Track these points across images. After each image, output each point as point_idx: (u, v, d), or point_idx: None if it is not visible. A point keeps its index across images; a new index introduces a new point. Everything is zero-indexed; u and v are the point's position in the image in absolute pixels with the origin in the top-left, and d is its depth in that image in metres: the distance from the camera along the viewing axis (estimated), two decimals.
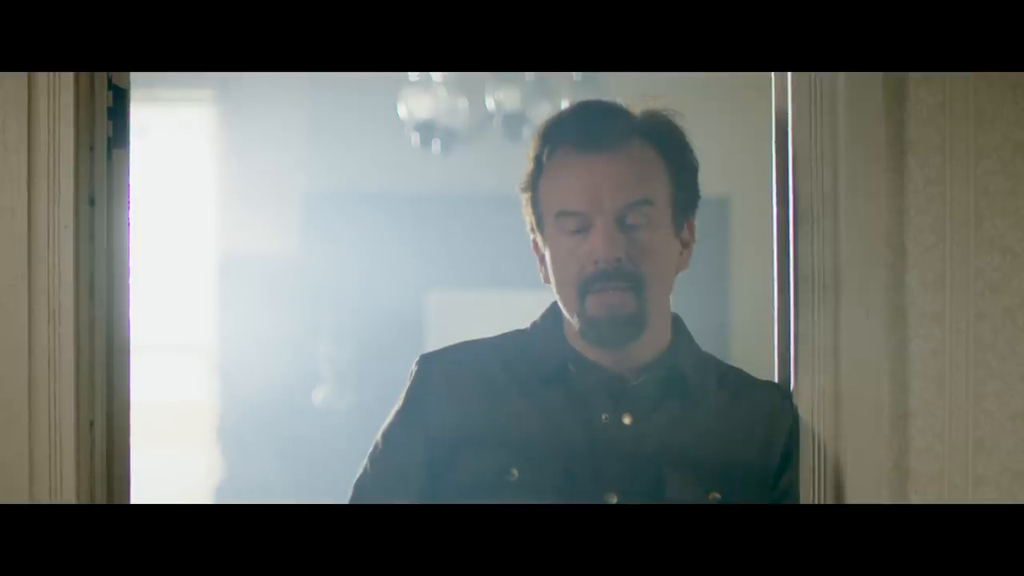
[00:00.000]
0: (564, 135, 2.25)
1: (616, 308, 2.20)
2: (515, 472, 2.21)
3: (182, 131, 6.43)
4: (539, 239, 2.29)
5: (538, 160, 2.27)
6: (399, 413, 2.31)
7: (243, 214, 6.33)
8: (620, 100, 2.29)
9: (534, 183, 2.27)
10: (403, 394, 2.31)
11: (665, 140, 2.26)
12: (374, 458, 2.31)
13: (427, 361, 2.32)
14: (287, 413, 6.03)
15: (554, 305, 2.32)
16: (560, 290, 2.26)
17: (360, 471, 2.32)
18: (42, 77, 2.21)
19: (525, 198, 2.30)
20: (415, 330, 6.12)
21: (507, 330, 2.37)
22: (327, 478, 5.79)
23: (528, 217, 2.30)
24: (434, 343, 2.35)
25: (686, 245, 2.29)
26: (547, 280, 2.30)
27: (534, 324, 2.34)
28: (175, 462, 6.08)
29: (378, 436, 2.32)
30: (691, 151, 2.29)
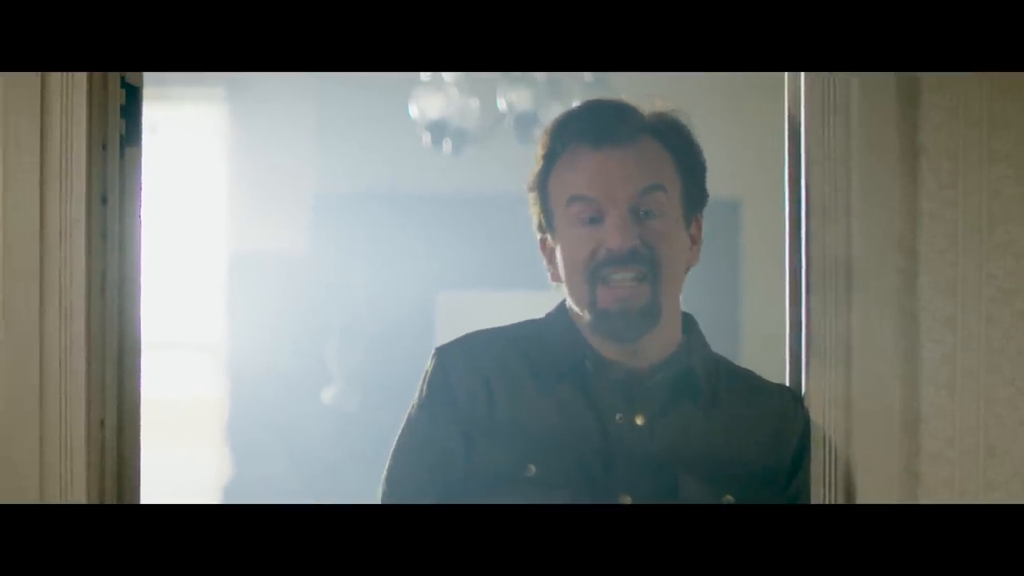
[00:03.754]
0: (575, 132, 2.25)
1: (629, 301, 2.20)
2: (532, 468, 2.22)
3: (192, 129, 6.43)
4: (548, 236, 2.29)
5: (548, 157, 2.27)
6: (424, 406, 2.30)
7: (253, 213, 6.33)
8: (628, 100, 2.30)
9: (543, 181, 2.28)
10: (423, 386, 2.30)
11: (674, 139, 2.27)
12: (402, 456, 2.30)
13: (444, 353, 2.31)
14: (296, 412, 6.04)
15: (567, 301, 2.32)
16: (570, 280, 2.25)
17: (388, 466, 2.30)
18: (55, 76, 2.21)
19: (532, 197, 2.30)
20: (425, 330, 6.13)
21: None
22: (335, 477, 5.80)
23: (536, 215, 2.30)
24: (444, 343, 2.35)
25: (694, 242, 2.29)
26: (555, 279, 2.30)
27: (549, 315, 2.34)
28: (184, 460, 6.08)
29: (402, 434, 2.30)
30: (699, 151, 2.30)
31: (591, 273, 2.22)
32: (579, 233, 2.23)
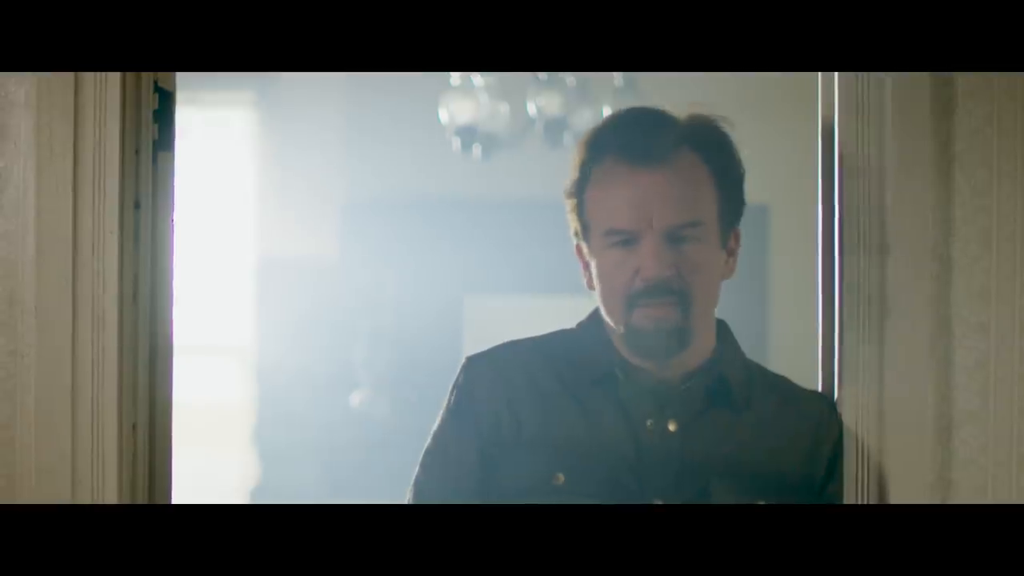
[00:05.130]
0: (611, 145, 2.23)
1: (662, 321, 2.20)
2: (561, 477, 2.21)
3: (222, 134, 6.44)
4: (584, 247, 2.28)
5: (584, 169, 2.25)
6: (450, 415, 2.30)
7: (283, 217, 6.35)
8: (666, 106, 2.28)
9: (579, 191, 2.26)
10: (452, 396, 2.30)
11: (713, 149, 2.24)
12: (428, 462, 2.30)
13: (475, 362, 2.31)
14: (325, 417, 6.04)
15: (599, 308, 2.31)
16: (605, 301, 2.25)
17: (416, 474, 2.31)
18: (88, 80, 2.22)
19: (570, 204, 2.29)
20: (453, 335, 6.13)
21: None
22: (362, 482, 5.81)
23: (573, 223, 2.29)
24: (472, 348, 2.35)
25: (731, 253, 2.28)
26: (591, 286, 2.29)
27: (580, 324, 2.33)
28: (214, 464, 6.09)
29: (430, 440, 2.31)
30: (738, 160, 2.27)
31: (627, 300, 2.21)
32: (614, 257, 2.22)
